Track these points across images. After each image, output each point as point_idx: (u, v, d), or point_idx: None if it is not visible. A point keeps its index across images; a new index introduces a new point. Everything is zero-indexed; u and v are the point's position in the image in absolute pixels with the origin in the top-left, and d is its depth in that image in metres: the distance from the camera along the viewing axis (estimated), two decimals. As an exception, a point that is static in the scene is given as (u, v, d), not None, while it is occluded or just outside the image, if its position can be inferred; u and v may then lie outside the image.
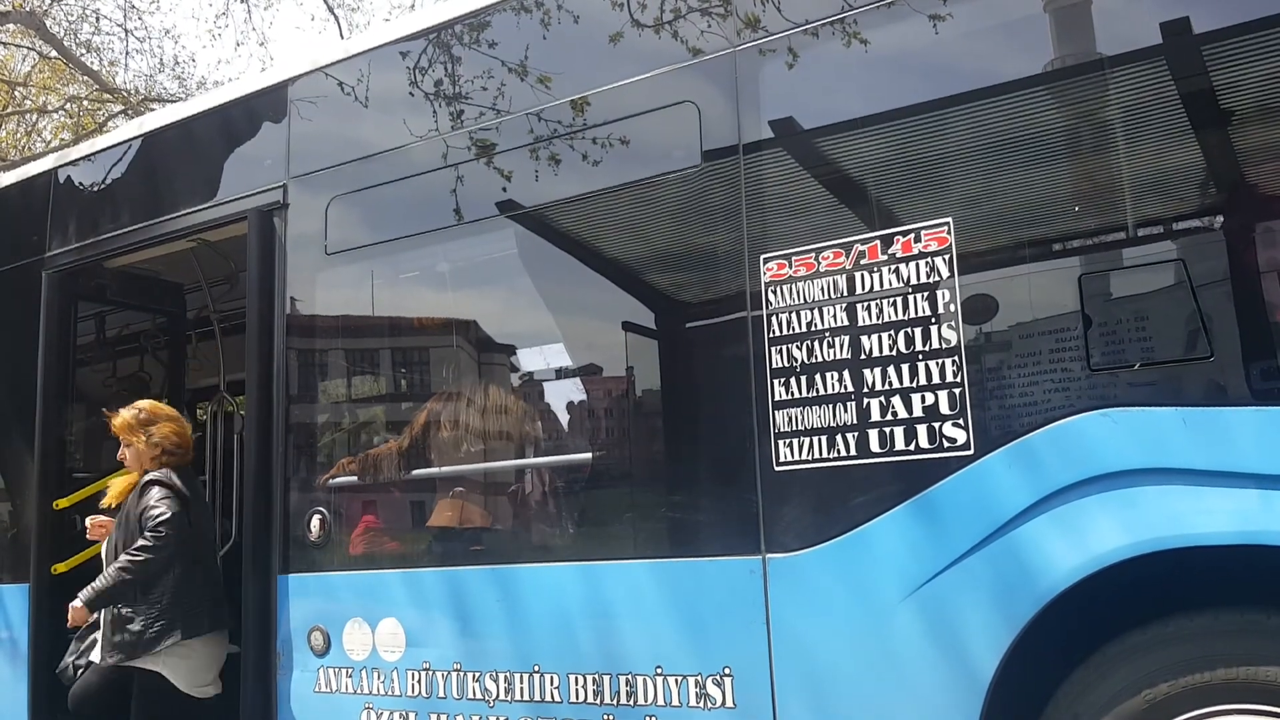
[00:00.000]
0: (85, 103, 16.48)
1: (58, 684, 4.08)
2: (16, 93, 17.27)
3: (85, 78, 15.30)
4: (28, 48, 15.75)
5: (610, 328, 3.20)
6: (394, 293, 3.74)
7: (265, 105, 3.97)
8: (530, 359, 3.43)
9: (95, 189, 4.52)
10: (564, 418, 3.33)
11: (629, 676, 2.85)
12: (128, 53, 22.37)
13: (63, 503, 4.24)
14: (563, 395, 3.31)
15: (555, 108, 3.25)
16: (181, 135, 4.27)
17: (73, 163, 4.67)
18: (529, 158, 3.30)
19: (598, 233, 3.32)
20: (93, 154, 4.61)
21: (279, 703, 3.45)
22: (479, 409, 3.38)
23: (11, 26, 13.01)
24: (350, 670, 3.31)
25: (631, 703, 2.83)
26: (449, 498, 3.41)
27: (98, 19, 14.86)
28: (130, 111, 15.07)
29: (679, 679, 2.78)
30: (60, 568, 4.18)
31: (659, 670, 2.80)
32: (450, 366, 3.61)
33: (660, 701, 2.79)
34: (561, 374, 3.33)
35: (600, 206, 3.26)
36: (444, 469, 3.43)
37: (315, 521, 3.47)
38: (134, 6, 14.71)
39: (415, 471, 3.47)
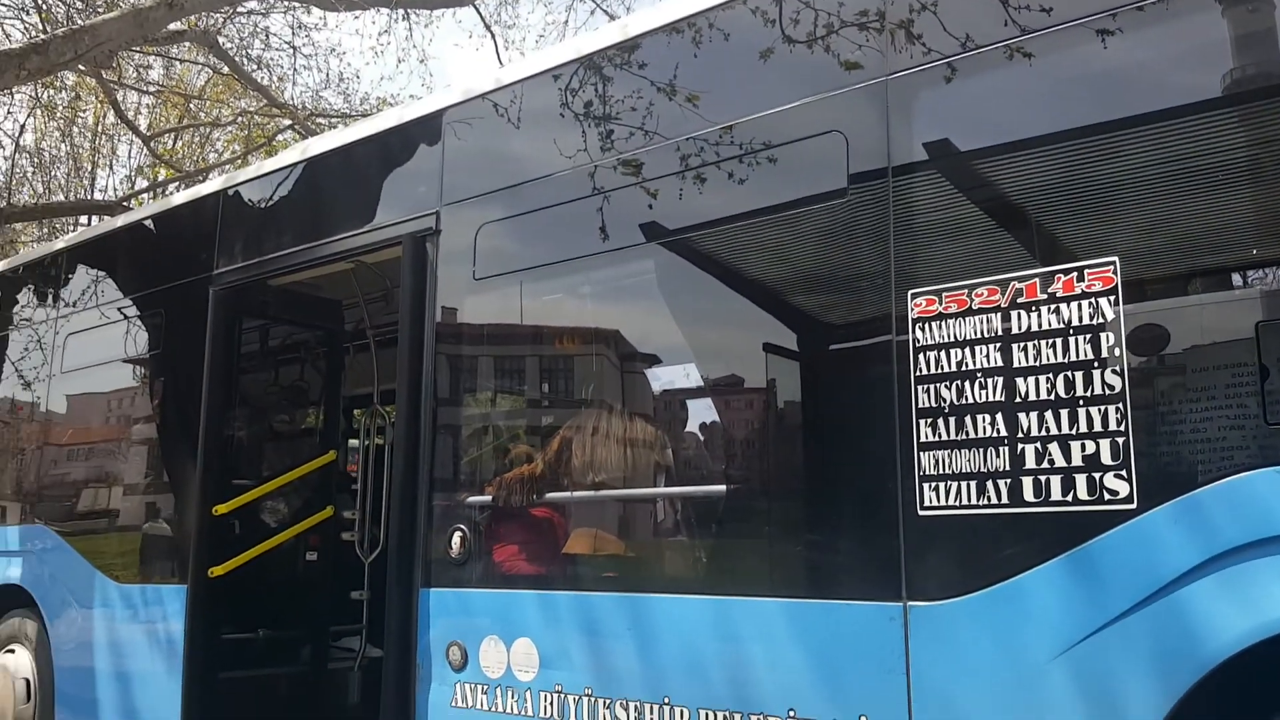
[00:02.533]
0: (255, 116, 17.33)
1: (210, 683, 4.30)
2: (192, 106, 18.36)
3: (255, 93, 16.00)
4: (202, 64, 16.69)
5: (750, 359, 3.17)
6: (539, 317, 3.80)
7: (421, 133, 4.09)
8: (670, 388, 3.42)
9: (260, 210, 4.76)
10: (702, 448, 3.31)
11: (761, 717, 2.80)
12: (295, 69, 23.41)
13: (222, 508, 4.47)
14: (701, 425, 3.29)
15: (701, 135, 3.24)
16: (342, 160, 4.45)
17: (240, 184, 4.93)
18: (674, 184, 3.30)
19: (740, 262, 3.29)
20: (258, 176, 4.85)
21: (417, 714, 3.53)
22: (617, 437, 3.39)
23: (187, 44, 13.77)
24: (486, 687, 3.36)
25: (763, 743, 2.79)
26: (585, 525, 3.44)
27: (268, 36, 15.48)
28: (298, 126, 15.76)
29: (813, 723, 2.72)
30: (217, 571, 4.40)
31: (791, 713, 2.74)
32: (591, 392, 3.64)
33: (793, 745, 2.74)
34: (700, 404, 3.31)
35: (744, 234, 3.23)
36: (581, 494, 3.46)
37: (456, 538, 3.54)
38: (302, 24, 15.26)
39: (553, 496, 3.51)
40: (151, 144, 17.45)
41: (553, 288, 3.67)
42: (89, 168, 19.14)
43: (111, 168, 20.05)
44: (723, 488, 3.10)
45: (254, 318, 4.96)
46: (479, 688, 3.38)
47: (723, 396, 3.31)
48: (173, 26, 10.92)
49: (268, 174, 4.78)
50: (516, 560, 3.56)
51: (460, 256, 3.78)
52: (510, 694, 3.30)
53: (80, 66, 11.36)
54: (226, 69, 14.98)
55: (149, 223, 5.66)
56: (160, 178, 17.50)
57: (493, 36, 14.56)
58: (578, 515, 3.54)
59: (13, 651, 5.32)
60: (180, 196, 5.45)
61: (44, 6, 10.73)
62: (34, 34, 9.93)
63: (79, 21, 9.63)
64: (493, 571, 3.55)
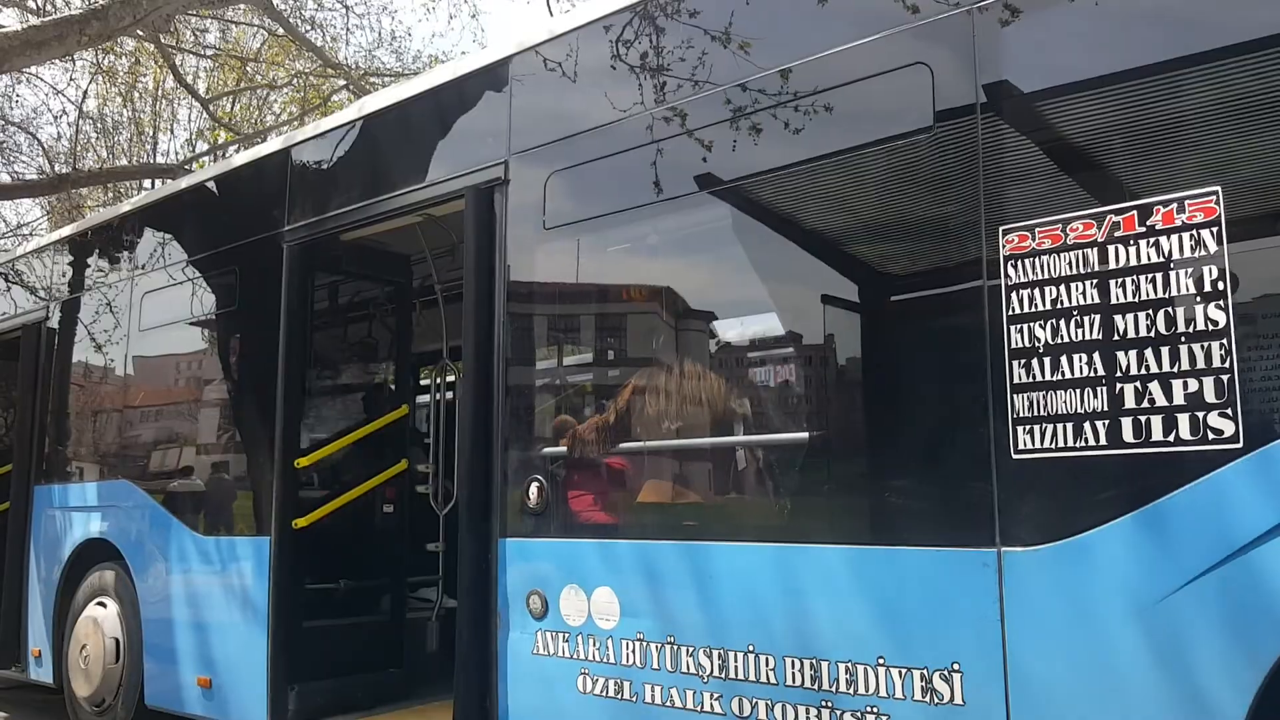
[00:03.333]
0: (310, 78, 17.39)
1: (294, 631, 4.38)
2: (248, 69, 18.48)
3: (310, 53, 16.04)
4: (257, 25, 16.75)
5: (832, 302, 3.10)
6: (611, 265, 3.76)
7: (487, 83, 4.05)
8: (751, 334, 3.36)
9: (329, 166, 4.76)
10: (785, 395, 3.26)
11: (849, 665, 2.77)
12: (349, 29, 23.38)
13: (303, 461, 4.52)
14: (784, 372, 3.23)
15: (775, 74, 3.15)
16: (408, 114, 4.43)
17: (311, 140, 4.93)
18: (748, 128, 3.22)
19: (821, 204, 3.21)
20: (330, 130, 4.84)
21: (499, 662, 3.56)
22: (694, 384, 3.35)
23: (242, 6, 13.82)
24: (567, 635, 3.38)
25: (852, 691, 2.75)
26: (664, 474, 3.42)
27: (319, -5, 15.47)
28: (352, 86, 15.78)
29: (903, 671, 2.68)
30: (301, 522, 4.47)
31: (881, 661, 2.71)
32: (665, 339, 3.60)
33: (883, 693, 2.70)
34: (784, 350, 3.25)
35: (822, 176, 3.15)
36: (664, 443, 3.43)
37: (534, 489, 3.54)
38: (353, -17, 15.20)
39: (631, 445, 3.48)
40: (210, 107, 17.63)
41: (624, 236, 3.61)
42: (150, 132, 19.43)
43: (172, 131, 20.30)
44: (806, 435, 3.05)
45: (326, 273, 4.98)
46: (560, 635, 3.40)
47: (805, 339, 3.25)
48: (227, -12, 10.94)
49: (337, 127, 4.77)
50: (596, 510, 3.56)
51: (530, 207, 3.74)
52: (592, 642, 3.31)
53: (139, 31, 11.46)
54: (281, 30, 15.04)
55: (220, 181, 5.68)
56: (220, 140, 17.71)
57: (543, -10, 14.41)
58: (656, 464, 3.52)
59: (104, 605, 5.48)
60: (251, 152, 5.45)
61: (104, -29, 10.81)
62: (95, 0, 10.02)
63: (138, -15, 9.68)
64: (572, 521, 3.55)
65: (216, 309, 5.29)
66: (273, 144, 5.26)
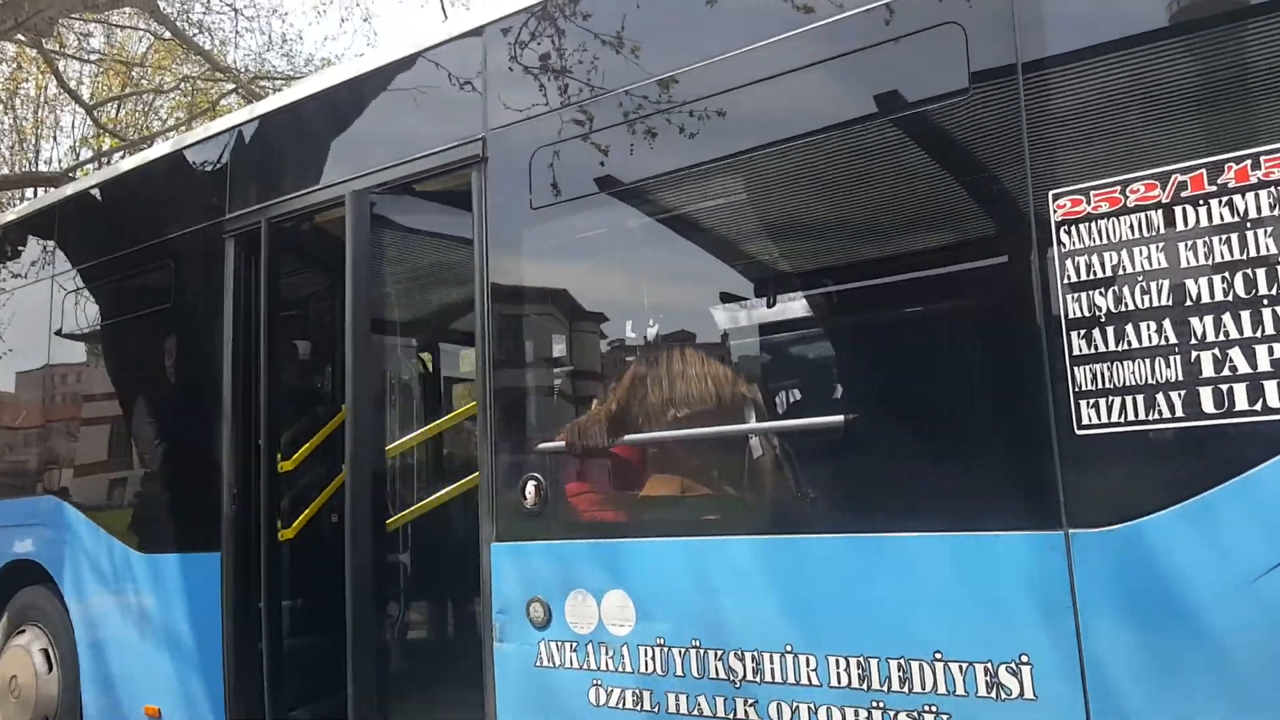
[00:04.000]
0: (198, 82, 16.75)
1: (256, 656, 3.98)
2: (134, 73, 17.66)
3: (197, 57, 15.53)
4: (143, 30, 16.05)
5: (875, 276, 2.92)
6: (607, 245, 3.51)
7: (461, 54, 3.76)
8: (776, 312, 3.15)
9: (280, 147, 4.40)
10: (825, 374, 3.06)
11: (901, 661, 2.58)
12: (238, 32, 22.62)
13: (287, 465, 4.12)
14: (822, 350, 3.04)
15: (792, 38, 2.96)
16: (363, 91, 4.11)
17: (255, 119, 4.54)
18: (764, 94, 3.02)
19: (850, 172, 3.03)
20: (275, 110, 4.48)
21: (496, 678, 3.27)
22: (709, 366, 3.13)
23: (128, 10, 13.18)
24: (575, 644, 3.11)
25: (906, 690, 2.56)
26: (677, 465, 3.19)
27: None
28: (241, 90, 15.25)
29: (963, 666, 2.50)
30: (288, 534, 4.06)
31: (938, 656, 2.53)
32: (672, 319, 3.36)
33: (941, 690, 2.52)
34: (822, 328, 3.06)
35: (849, 144, 2.97)
36: (683, 432, 3.18)
37: (530, 488, 3.26)
38: (242, -16, 14.68)
39: (640, 435, 3.23)
40: (95, 113, 16.78)
41: (624, 214, 3.37)
42: (33, 140, 18.36)
43: (55, 139, 19.25)
44: (842, 418, 2.84)
45: (292, 258, 4.55)
46: (567, 645, 3.13)
47: (849, 322, 3.06)
48: (112, -9, 10.43)
49: (286, 106, 4.41)
50: (604, 507, 3.30)
51: (514, 184, 3.47)
52: (604, 650, 3.05)
53: (21, 36, 10.88)
54: (168, 34, 14.42)
55: (154, 168, 5.20)
56: (105, 147, 16.88)
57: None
58: (667, 455, 3.28)
59: (23, 632, 4.98)
60: (191, 135, 5.01)
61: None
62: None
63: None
64: (577, 520, 3.29)
65: (150, 305, 4.84)
66: (216, 124, 4.83)
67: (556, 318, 3.58)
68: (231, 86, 15.91)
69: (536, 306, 3.57)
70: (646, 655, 2.97)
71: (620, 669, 3.02)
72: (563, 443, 3.30)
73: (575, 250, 3.54)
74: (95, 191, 5.55)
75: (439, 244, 4.51)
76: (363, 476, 3.75)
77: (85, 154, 18.01)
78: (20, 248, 5.72)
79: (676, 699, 2.91)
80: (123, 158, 13.63)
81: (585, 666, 3.09)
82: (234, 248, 4.32)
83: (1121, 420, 2.37)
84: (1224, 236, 2.30)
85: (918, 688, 2.55)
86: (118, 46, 17.46)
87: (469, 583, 3.43)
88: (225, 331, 4.24)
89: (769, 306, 3.10)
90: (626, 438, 3.22)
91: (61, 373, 5.38)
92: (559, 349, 3.55)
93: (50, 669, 4.81)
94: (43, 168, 17.71)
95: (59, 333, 5.25)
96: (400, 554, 4.46)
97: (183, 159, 4.86)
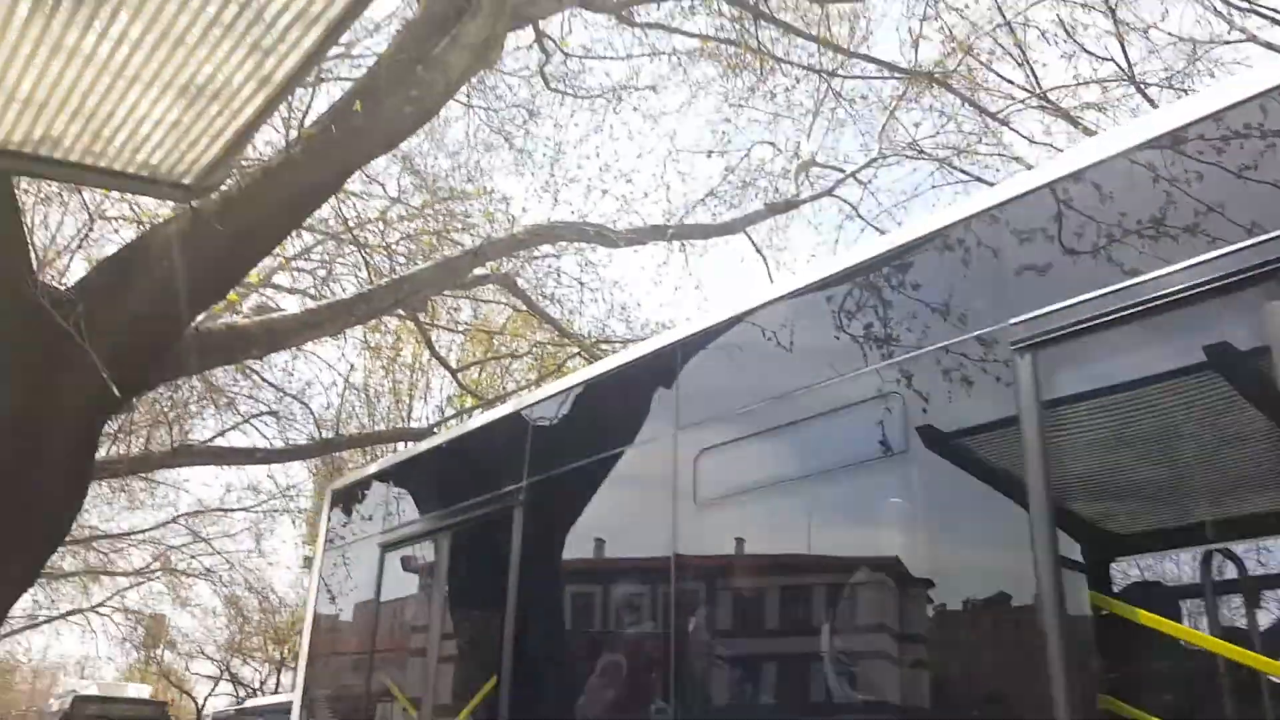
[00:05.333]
0: (548, 346, 18.71)
1: None
2: (494, 340, 20.15)
3: (548, 325, 17.36)
4: (503, 303, 18.39)
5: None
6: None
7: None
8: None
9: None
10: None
11: None
12: (583, 302, 25.25)
13: None
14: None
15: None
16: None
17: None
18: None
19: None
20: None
21: None
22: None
23: (490, 286, 15.31)
24: None
25: None
26: None
27: (559, 275, 16.95)
28: (584, 353, 16.86)
29: None
30: None
31: None
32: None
33: None
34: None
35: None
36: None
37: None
38: (590, 262, 16.64)
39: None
40: (459, 376, 19.23)
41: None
42: (406, 400, 21.24)
43: (425, 399, 22.12)
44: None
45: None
46: None
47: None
48: (477, 272, 12.22)
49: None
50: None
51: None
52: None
53: (400, 311, 12.92)
54: (524, 306, 16.44)
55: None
56: (466, 405, 19.10)
57: (764, 259, 15.23)
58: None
59: None
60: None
61: (371, 262, 12.40)
62: (363, 286, 11.46)
63: (399, 273, 11.05)
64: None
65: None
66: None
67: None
68: (576, 350, 17.54)
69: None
70: None
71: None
72: None
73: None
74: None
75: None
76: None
77: (449, 411, 20.50)
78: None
79: None
80: (479, 414, 15.45)
81: None
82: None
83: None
84: None
85: None
86: (482, 318, 19.96)
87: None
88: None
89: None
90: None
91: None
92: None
93: None
94: (412, 424, 20.27)
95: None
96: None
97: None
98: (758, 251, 14.90)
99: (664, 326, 18.81)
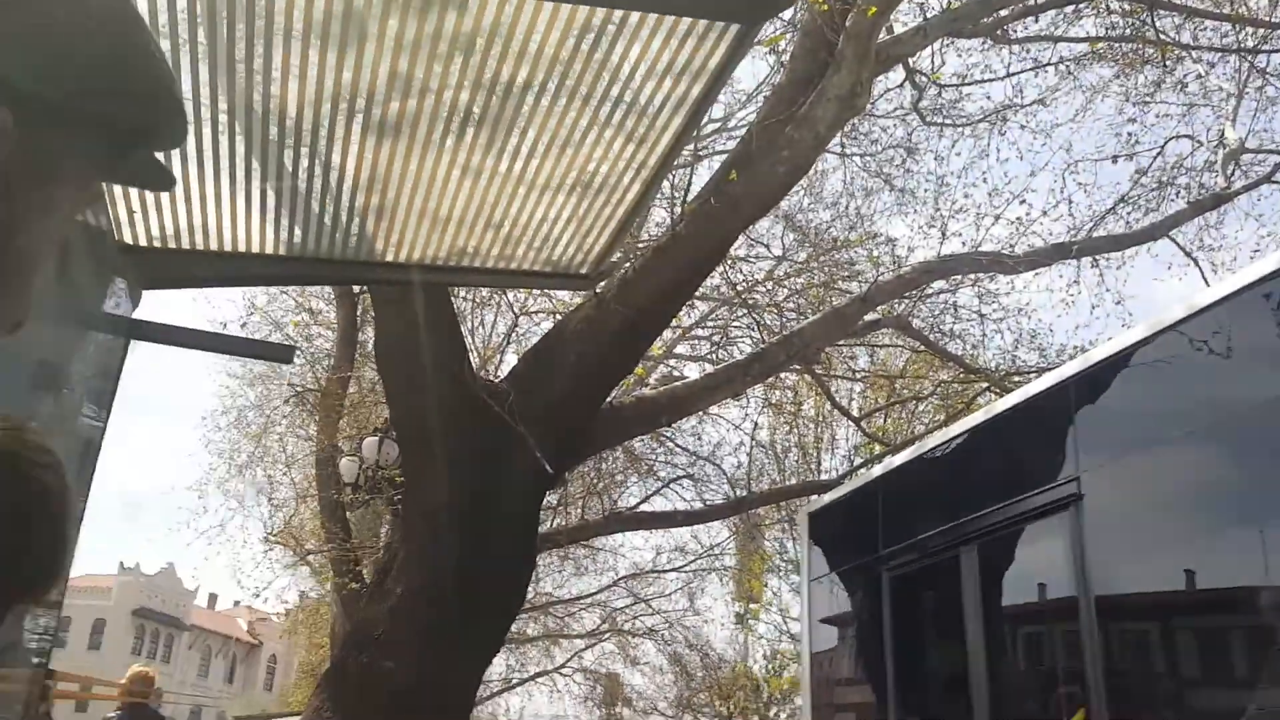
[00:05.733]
0: (954, 385, 18.01)
1: None
2: (895, 385, 19.73)
3: (951, 363, 16.75)
4: (900, 346, 17.98)
5: None
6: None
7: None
8: None
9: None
10: None
11: None
12: (985, 334, 24.09)
13: None
14: None
15: None
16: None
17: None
18: None
19: None
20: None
21: None
22: None
23: (884, 331, 15.07)
24: None
25: None
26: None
27: (956, 310, 16.31)
28: (994, 387, 16.00)
29: None
30: None
31: None
32: None
33: None
34: None
35: None
36: None
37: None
38: (989, 292, 15.86)
39: None
40: (863, 424, 19.01)
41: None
42: (814, 453, 21.38)
43: (832, 450, 22.11)
44: None
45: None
46: None
47: None
48: (868, 318, 12.09)
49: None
50: None
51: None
52: None
53: (795, 366, 13.10)
54: (923, 346, 15.99)
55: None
56: (875, 452, 18.81)
57: (1196, 263, 13.63)
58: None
59: None
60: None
61: (762, 322, 12.72)
62: (757, 346, 11.76)
63: (789, 329, 11.22)
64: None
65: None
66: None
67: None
68: (985, 385, 16.76)
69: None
70: None
71: None
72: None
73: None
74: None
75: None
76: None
77: (855, 461, 20.34)
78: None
79: None
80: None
81: None
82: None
83: None
84: None
85: None
86: (880, 363, 19.71)
87: None
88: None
89: None
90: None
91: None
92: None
93: None
94: (822, 476, 20.35)
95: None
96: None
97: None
98: (1187, 255, 13.35)
99: (1080, 350, 17.44)
